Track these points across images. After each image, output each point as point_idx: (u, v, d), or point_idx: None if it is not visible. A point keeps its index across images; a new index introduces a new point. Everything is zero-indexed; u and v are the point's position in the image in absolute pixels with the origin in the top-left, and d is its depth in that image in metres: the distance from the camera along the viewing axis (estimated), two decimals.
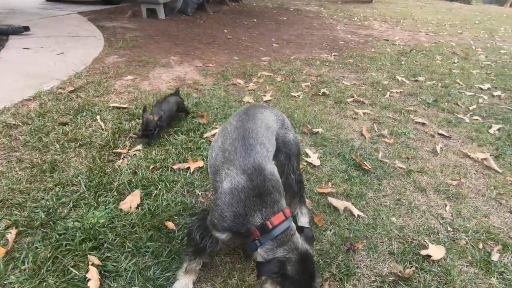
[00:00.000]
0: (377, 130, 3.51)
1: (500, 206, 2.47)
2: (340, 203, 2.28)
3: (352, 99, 4.32)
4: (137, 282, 1.64)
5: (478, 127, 3.74)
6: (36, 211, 1.98)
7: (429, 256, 1.93)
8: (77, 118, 3.07)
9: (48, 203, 2.06)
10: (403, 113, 3.98)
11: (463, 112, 4.15)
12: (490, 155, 3.09)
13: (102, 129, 2.95)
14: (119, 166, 2.49)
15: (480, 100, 4.59)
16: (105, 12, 8.84)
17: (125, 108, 3.40)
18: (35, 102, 3.32)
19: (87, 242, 1.80)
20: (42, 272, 1.63)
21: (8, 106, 3.15)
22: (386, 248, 2.00)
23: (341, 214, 2.23)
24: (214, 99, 3.88)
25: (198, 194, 2.31)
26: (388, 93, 4.65)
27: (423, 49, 7.74)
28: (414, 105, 4.32)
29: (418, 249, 1.98)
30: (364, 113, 3.91)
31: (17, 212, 1.97)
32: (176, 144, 2.85)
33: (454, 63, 6.65)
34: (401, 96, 4.63)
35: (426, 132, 3.56)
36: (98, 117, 3.12)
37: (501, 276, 1.85)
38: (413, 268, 1.86)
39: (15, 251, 1.73)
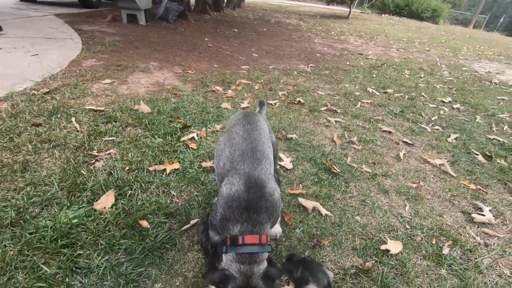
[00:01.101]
0: (347, 137, 3.73)
1: (453, 206, 2.71)
2: (309, 203, 2.42)
3: (325, 108, 4.54)
4: (109, 278, 1.67)
5: (438, 136, 4.06)
6: (6, 210, 1.96)
7: (388, 250, 2.10)
8: (51, 120, 3.05)
9: (18, 202, 2.04)
10: (372, 122, 4.25)
11: (426, 122, 4.48)
12: (447, 161, 3.37)
13: (78, 131, 2.95)
14: (94, 167, 2.50)
15: (442, 112, 4.98)
16: (83, 16, 8.73)
17: (102, 110, 3.41)
18: (6, 102, 3.26)
19: (59, 241, 1.81)
20: (10, 269, 1.63)
21: None
22: (350, 244, 2.15)
23: (309, 214, 2.36)
24: (192, 104, 3.96)
25: (174, 195, 2.37)
26: (359, 103, 4.93)
27: (394, 64, 8.25)
28: (382, 114, 4.62)
29: (378, 245, 2.14)
30: (336, 121, 4.14)
31: None
32: (153, 147, 2.89)
33: (421, 77, 7.13)
34: (371, 106, 4.92)
35: (392, 140, 3.82)
36: (73, 119, 3.11)
37: (449, 268, 2.05)
38: (373, 261, 2.01)
39: None
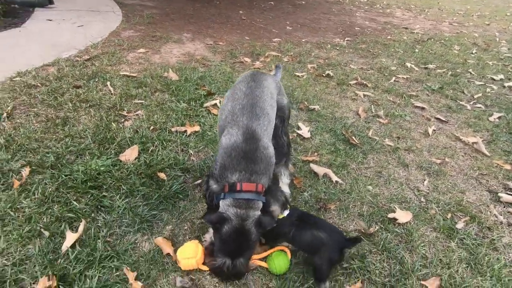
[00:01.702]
0: (373, 111, 3.59)
1: (479, 185, 2.54)
2: (320, 169, 2.43)
3: (355, 81, 4.37)
4: (127, 217, 1.89)
5: (478, 114, 3.73)
6: (48, 155, 2.26)
7: (395, 219, 2.07)
8: (90, 83, 3.34)
9: (58, 150, 2.33)
10: (404, 97, 4.01)
11: (467, 100, 4.12)
12: (482, 140, 3.12)
13: (111, 94, 3.21)
14: (123, 125, 2.74)
15: (488, 90, 4.52)
16: None
17: (134, 76, 3.64)
18: (53, 67, 3.62)
19: (88, 183, 2.06)
20: (48, 202, 1.91)
21: (30, 70, 3.46)
22: (357, 210, 2.15)
23: (320, 179, 2.38)
24: (219, 74, 4.05)
25: (191, 153, 2.53)
26: (394, 78, 4.66)
27: (442, 39, 7.53)
28: (417, 90, 4.33)
29: (386, 213, 2.12)
30: (364, 95, 3.98)
31: (31, 155, 2.26)
32: (177, 111, 3.06)
33: (472, 53, 6.45)
34: (407, 82, 4.62)
35: (423, 116, 3.60)
36: (108, 83, 3.38)
37: (460, 241, 1.97)
38: (377, 228, 2.00)
39: (27, 185, 2.01)
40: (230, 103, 1.83)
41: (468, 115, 3.70)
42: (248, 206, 1.52)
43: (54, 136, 2.49)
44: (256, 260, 1.69)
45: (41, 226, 1.75)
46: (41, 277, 1.49)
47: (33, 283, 1.48)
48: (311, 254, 1.65)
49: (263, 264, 1.68)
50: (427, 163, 2.72)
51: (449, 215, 2.17)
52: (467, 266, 1.82)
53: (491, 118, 3.64)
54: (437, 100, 4.06)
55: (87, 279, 1.52)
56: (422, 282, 1.68)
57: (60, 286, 1.48)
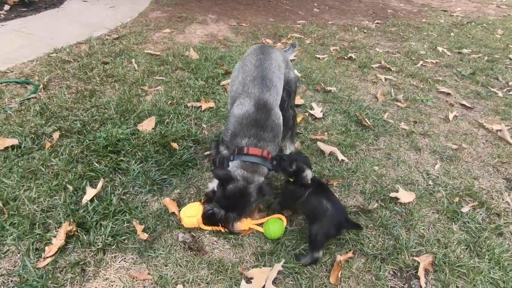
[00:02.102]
0: (393, 95, 3.49)
1: (496, 172, 2.44)
2: (327, 148, 2.46)
3: (378, 65, 4.24)
4: (140, 179, 2.07)
5: (510, 102, 3.49)
6: (75, 122, 2.50)
7: (397, 198, 2.07)
8: (116, 60, 3.57)
9: (84, 118, 2.57)
10: (429, 82, 3.84)
11: (500, 87, 3.86)
12: (509, 129, 2.94)
13: (135, 70, 3.41)
14: (143, 99, 2.93)
15: None
16: None
17: (158, 55, 3.82)
18: (85, 45, 3.89)
19: (108, 148, 2.27)
20: (73, 162, 2.14)
21: (65, 47, 3.74)
22: (359, 188, 2.18)
23: (326, 157, 2.42)
24: (238, 54, 4.12)
25: (204, 127, 2.66)
26: (421, 62, 4.44)
27: (485, 22, 6.96)
28: (445, 76, 4.11)
29: (388, 193, 2.12)
30: (386, 79, 3.86)
31: (61, 122, 2.51)
32: (195, 88, 3.20)
33: None
34: (435, 67, 4.40)
35: (447, 101, 3.44)
36: (133, 60, 3.58)
37: (463, 225, 1.94)
38: (377, 205, 2.02)
39: (57, 147, 2.26)
40: (240, 74, 1.91)
41: (498, 102, 3.48)
42: (253, 170, 1.64)
43: (82, 106, 2.73)
44: (253, 225, 1.80)
45: (66, 181, 1.98)
46: (64, 222, 1.70)
47: (57, 227, 1.71)
48: (310, 222, 1.73)
49: (260, 229, 1.79)
50: (442, 148, 2.65)
51: (456, 199, 2.13)
52: (466, 248, 1.80)
53: None
54: (466, 86, 3.84)
55: (102, 228, 1.73)
56: (415, 258, 1.71)
57: (79, 231, 1.69)
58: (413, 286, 1.61)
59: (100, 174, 2.07)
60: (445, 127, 2.98)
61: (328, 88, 3.46)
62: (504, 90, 3.78)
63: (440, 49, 5.01)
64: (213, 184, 1.78)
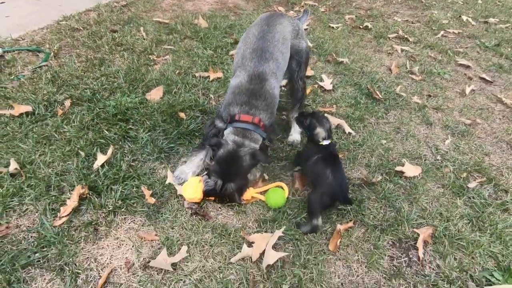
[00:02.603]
0: (408, 67, 3.35)
1: (510, 149, 2.37)
2: (334, 120, 2.43)
3: (395, 35, 4.03)
4: (148, 147, 2.12)
5: None
6: (86, 90, 2.54)
7: (402, 172, 2.06)
8: (125, 28, 3.52)
9: (94, 87, 2.60)
10: (449, 54, 3.65)
11: None
12: None
13: (144, 39, 3.37)
14: (152, 68, 2.93)
15: None
16: None
17: (166, 23, 3.74)
18: (94, 12, 3.84)
19: (118, 116, 2.32)
20: (84, 129, 2.21)
21: (74, 14, 3.71)
22: (365, 161, 2.17)
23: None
24: (248, 23, 3.98)
25: (211, 97, 2.66)
26: (442, 32, 4.19)
27: None
28: (467, 47, 3.88)
29: (394, 166, 2.11)
30: (402, 50, 3.69)
31: (72, 90, 2.55)
32: (203, 57, 3.15)
33: None
34: (457, 37, 4.15)
35: (465, 75, 3.28)
36: (142, 28, 3.53)
37: (468, 199, 1.93)
38: (381, 178, 2.03)
39: (69, 114, 2.32)
40: (242, 46, 1.90)
41: None
42: (244, 135, 1.68)
43: (92, 75, 2.76)
44: (255, 194, 1.85)
45: (78, 147, 2.05)
46: (77, 185, 1.80)
47: (71, 190, 1.81)
48: (311, 186, 1.81)
49: (262, 197, 1.84)
50: (455, 123, 2.57)
51: (464, 175, 2.10)
52: (468, 222, 1.80)
53: None
54: (488, 58, 3.63)
55: (112, 192, 1.81)
56: (415, 230, 1.73)
57: (91, 194, 1.78)
58: (411, 256, 1.65)
59: (110, 141, 2.13)
60: (461, 101, 2.87)
61: (340, 59, 3.34)
62: None
63: (464, 18, 4.69)
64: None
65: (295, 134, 2.30)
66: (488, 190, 2.01)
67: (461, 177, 2.08)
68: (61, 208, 1.71)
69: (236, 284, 1.48)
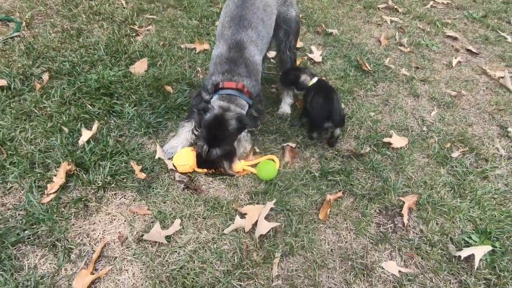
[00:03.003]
0: (397, 39, 3.32)
1: (491, 119, 2.44)
2: None
3: (385, 5, 3.94)
4: (135, 122, 2.07)
5: None
6: (64, 63, 2.41)
7: (390, 143, 2.11)
8: None
9: (73, 59, 2.46)
10: (437, 25, 3.62)
11: (510, 31, 3.65)
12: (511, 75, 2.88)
13: (124, 7, 3.17)
14: (134, 39, 2.78)
15: None
16: None
17: None
18: None
19: (101, 90, 2.22)
20: (66, 104, 2.11)
21: None
22: (354, 133, 2.20)
23: None
24: None
25: (198, 70, 2.57)
26: (431, 3, 4.13)
27: None
28: (455, 18, 3.86)
29: (382, 138, 2.15)
30: (391, 21, 3.63)
31: (50, 63, 2.41)
32: (188, 28, 3.01)
33: None
34: (446, 8, 4.11)
35: (453, 46, 3.30)
36: None
37: (451, 168, 2.01)
38: (369, 149, 2.07)
39: (48, 88, 2.21)
40: (223, 15, 1.88)
41: (505, 48, 3.33)
42: (230, 100, 1.70)
43: (69, 46, 2.60)
44: (246, 166, 1.85)
45: (61, 123, 1.97)
46: (63, 162, 1.74)
47: (57, 167, 1.75)
48: (310, 111, 2.03)
49: (253, 170, 1.85)
50: (441, 95, 2.61)
51: (448, 145, 2.17)
52: (450, 190, 1.89)
53: None
54: (475, 30, 3.64)
55: (100, 168, 1.77)
56: (400, 198, 1.80)
57: (78, 171, 1.74)
58: (396, 222, 1.73)
59: (94, 116, 2.06)
60: (447, 73, 2.90)
61: (330, 31, 3.27)
62: None
63: None
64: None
65: (285, 106, 2.28)
66: (469, 159, 2.09)
67: (445, 147, 2.15)
68: (48, 185, 1.67)
69: (230, 254, 1.52)
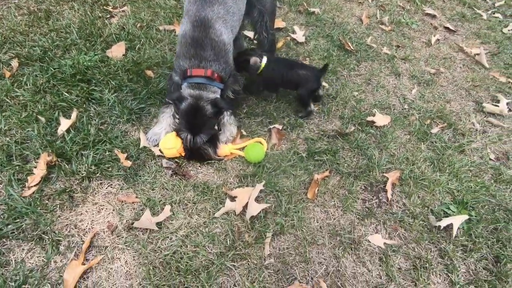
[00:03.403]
0: (378, 17, 3.32)
1: (467, 95, 2.54)
2: None
3: None
4: (117, 109, 1.99)
5: (492, 25, 3.44)
6: (35, 48, 2.26)
7: (373, 122, 2.16)
8: None
9: (44, 44, 2.31)
10: (416, 3, 3.65)
11: (486, 9, 3.74)
12: (487, 53, 2.97)
13: None
14: (108, 21, 2.63)
15: None
16: None
17: None
18: None
19: (77, 76, 2.11)
20: (41, 92, 2.00)
21: None
22: (338, 113, 2.23)
23: None
24: None
25: None
26: None
27: None
28: None
29: (366, 117, 2.19)
30: None
31: (18, 48, 2.26)
32: (166, 8, 2.88)
33: None
34: None
35: (431, 24, 3.34)
36: None
37: (431, 144, 2.10)
38: (354, 129, 2.11)
39: (19, 76, 2.08)
40: None
41: (480, 25, 3.42)
42: (200, 88, 1.66)
43: (38, 30, 2.43)
44: (234, 150, 1.85)
45: (37, 112, 1.87)
46: (42, 153, 1.67)
47: (36, 158, 1.68)
48: (296, 89, 2.08)
49: (241, 153, 1.85)
50: (421, 73, 2.67)
51: (428, 121, 2.24)
52: (430, 164, 1.98)
53: (505, 30, 3.38)
54: (452, 7, 3.70)
55: (83, 157, 1.72)
56: (384, 174, 1.87)
57: (60, 161, 1.68)
58: (381, 197, 1.80)
59: (72, 104, 1.97)
60: (426, 51, 2.96)
61: (312, 9, 3.22)
62: (489, 12, 3.69)
63: None
64: None
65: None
66: (448, 134, 2.18)
67: (425, 124, 2.23)
68: (29, 177, 1.60)
69: (222, 236, 1.54)
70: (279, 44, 2.68)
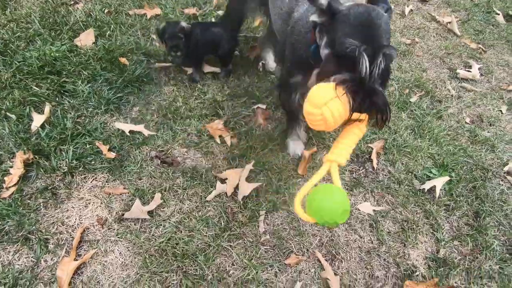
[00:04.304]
0: None
1: (442, 63, 2.61)
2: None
3: None
4: (93, 100, 1.90)
5: None
6: None
7: None
8: None
9: (4, 36, 2.14)
10: None
11: None
12: (458, 20, 3.05)
13: None
14: (73, 8, 2.47)
15: None
16: None
17: None
18: None
19: (45, 68, 1.98)
20: (7, 87, 1.87)
21: None
22: None
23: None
24: None
25: (153, 38, 2.38)
26: None
27: None
28: None
29: None
30: None
31: None
32: None
33: None
34: None
35: None
36: None
37: (411, 112, 2.16)
38: None
39: None
40: None
41: None
42: None
43: None
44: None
45: (5, 109, 1.76)
46: (17, 151, 1.58)
47: (11, 157, 1.59)
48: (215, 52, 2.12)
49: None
50: (397, 44, 2.71)
51: (406, 91, 2.30)
52: (411, 132, 2.04)
53: None
54: None
55: (62, 152, 1.64)
56: (369, 145, 1.91)
57: (38, 158, 1.60)
58: (367, 167, 1.85)
59: (43, 98, 1.86)
60: (401, 22, 2.99)
61: None
62: None
63: None
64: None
65: (271, 62, 2.27)
66: (426, 102, 2.25)
67: (404, 94, 2.28)
68: (5, 178, 1.52)
69: (216, 219, 1.54)
70: (256, 23, 2.62)
